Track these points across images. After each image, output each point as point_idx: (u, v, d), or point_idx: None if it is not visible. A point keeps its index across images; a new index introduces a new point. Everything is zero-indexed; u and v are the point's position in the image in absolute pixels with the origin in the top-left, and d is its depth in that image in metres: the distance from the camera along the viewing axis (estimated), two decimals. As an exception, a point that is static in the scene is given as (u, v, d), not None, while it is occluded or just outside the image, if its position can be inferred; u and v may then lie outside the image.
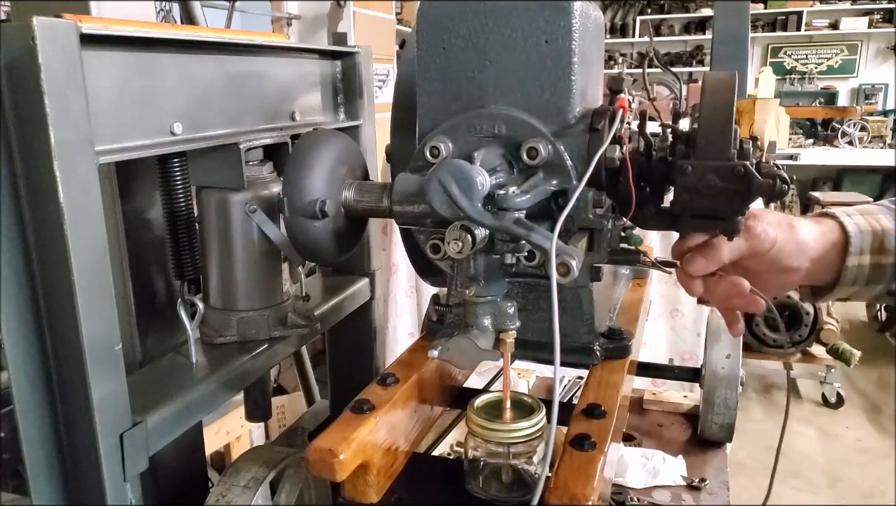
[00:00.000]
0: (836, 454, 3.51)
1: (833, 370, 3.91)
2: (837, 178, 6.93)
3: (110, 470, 0.75)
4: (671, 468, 1.20)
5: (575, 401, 0.89)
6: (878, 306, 4.79)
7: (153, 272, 1.01)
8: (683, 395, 1.46)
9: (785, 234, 0.84)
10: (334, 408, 1.35)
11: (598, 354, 0.94)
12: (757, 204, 0.80)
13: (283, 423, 2.65)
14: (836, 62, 8.45)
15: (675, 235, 0.87)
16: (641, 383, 1.61)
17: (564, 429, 0.79)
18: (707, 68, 6.51)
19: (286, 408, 2.75)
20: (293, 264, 1.08)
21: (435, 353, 0.76)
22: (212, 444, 2.22)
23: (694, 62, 8.52)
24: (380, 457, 0.80)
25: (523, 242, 0.71)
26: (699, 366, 1.32)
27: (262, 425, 2.54)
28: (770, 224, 0.83)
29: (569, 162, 0.80)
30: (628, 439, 1.33)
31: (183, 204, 0.95)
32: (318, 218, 0.87)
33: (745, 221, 0.82)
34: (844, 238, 0.85)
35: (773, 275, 0.85)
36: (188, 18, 2.03)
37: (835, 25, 8.26)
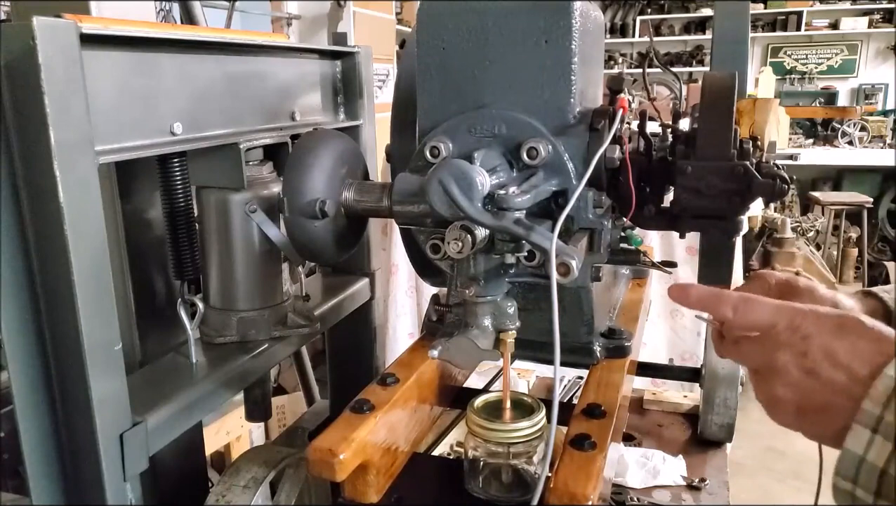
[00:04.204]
0: (836, 454, 3.50)
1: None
2: (837, 178, 6.92)
3: (110, 470, 0.75)
4: (671, 468, 1.20)
5: (575, 401, 0.89)
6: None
7: (153, 272, 1.01)
8: (683, 395, 1.46)
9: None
10: (334, 408, 1.35)
11: (598, 353, 0.94)
12: (757, 204, 0.79)
13: (283, 423, 2.65)
14: (836, 62, 8.44)
15: (676, 236, 0.87)
16: (641, 382, 1.61)
17: (564, 429, 0.80)
18: (707, 68, 6.50)
19: (286, 408, 2.75)
20: (293, 264, 1.08)
21: (435, 353, 0.76)
22: (212, 444, 2.22)
23: (694, 62, 8.50)
24: (380, 457, 0.80)
25: (523, 242, 0.71)
26: (699, 366, 1.32)
27: (262, 425, 2.54)
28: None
29: (569, 162, 0.80)
30: (628, 439, 1.33)
31: (183, 204, 0.95)
32: (318, 218, 0.87)
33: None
34: (886, 317, 0.83)
35: None
36: (188, 18, 2.03)
37: (835, 25, 8.25)
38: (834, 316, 0.63)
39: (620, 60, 8.60)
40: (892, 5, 7.91)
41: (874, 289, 0.90)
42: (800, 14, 8.20)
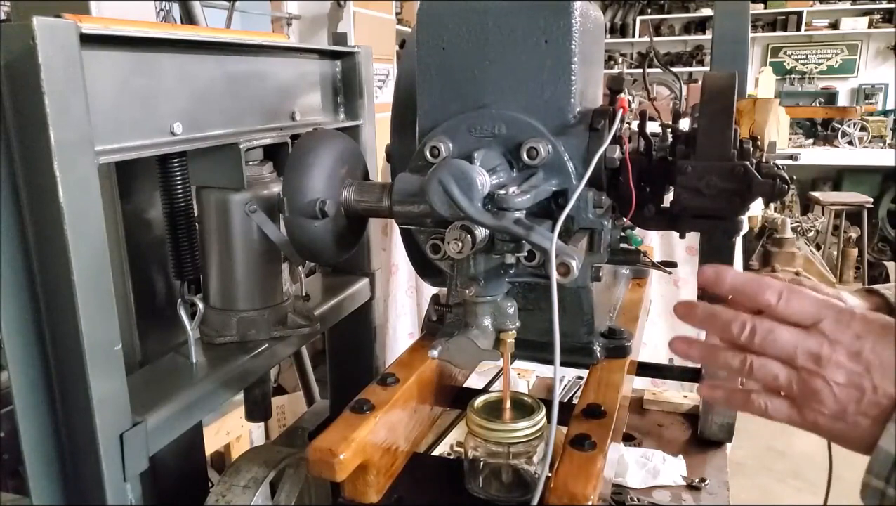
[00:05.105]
0: (836, 454, 3.50)
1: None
2: (837, 178, 6.93)
3: (110, 470, 0.75)
4: (671, 468, 1.20)
5: (575, 401, 0.89)
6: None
7: (153, 272, 1.01)
8: (683, 395, 1.46)
9: None
10: (334, 408, 1.35)
11: (598, 354, 0.94)
12: (757, 204, 0.80)
13: (283, 423, 2.65)
14: (836, 62, 8.44)
15: (676, 236, 0.87)
16: (641, 382, 1.61)
17: (564, 429, 0.80)
18: (707, 68, 6.48)
19: (286, 408, 2.75)
20: (293, 264, 1.08)
21: (435, 353, 0.76)
22: (212, 444, 2.22)
23: (694, 62, 8.50)
24: (380, 457, 0.80)
25: (523, 242, 0.71)
26: (699, 366, 1.32)
27: (262, 425, 2.54)
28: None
29: (569, 162, 0.80)
30: (628, 439, 1.33)
31: (183, 204, 0.95)
32: (318, 218, 0.87)
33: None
34: (889, 314, 0.85)
35: None
36: (188, 18, 2.03)
37: (835, 25, 8.25)
38: (880, 318, 0.63)
39: (620, 60, 8.60)
40: (892, 5, 7.90)
41: (876, 286, 0.90)
42: (800, 14, 8.20)
